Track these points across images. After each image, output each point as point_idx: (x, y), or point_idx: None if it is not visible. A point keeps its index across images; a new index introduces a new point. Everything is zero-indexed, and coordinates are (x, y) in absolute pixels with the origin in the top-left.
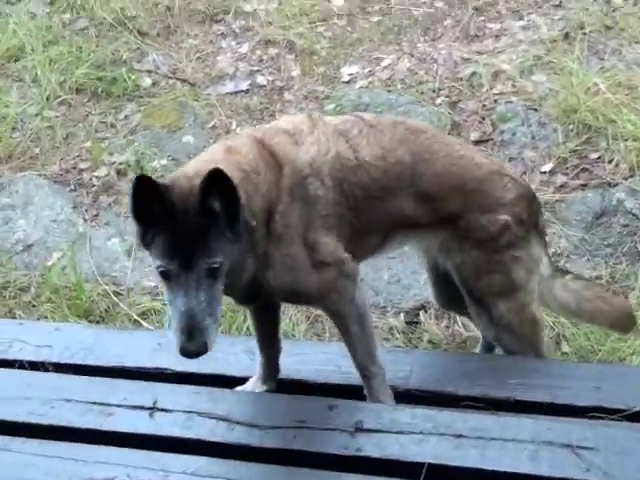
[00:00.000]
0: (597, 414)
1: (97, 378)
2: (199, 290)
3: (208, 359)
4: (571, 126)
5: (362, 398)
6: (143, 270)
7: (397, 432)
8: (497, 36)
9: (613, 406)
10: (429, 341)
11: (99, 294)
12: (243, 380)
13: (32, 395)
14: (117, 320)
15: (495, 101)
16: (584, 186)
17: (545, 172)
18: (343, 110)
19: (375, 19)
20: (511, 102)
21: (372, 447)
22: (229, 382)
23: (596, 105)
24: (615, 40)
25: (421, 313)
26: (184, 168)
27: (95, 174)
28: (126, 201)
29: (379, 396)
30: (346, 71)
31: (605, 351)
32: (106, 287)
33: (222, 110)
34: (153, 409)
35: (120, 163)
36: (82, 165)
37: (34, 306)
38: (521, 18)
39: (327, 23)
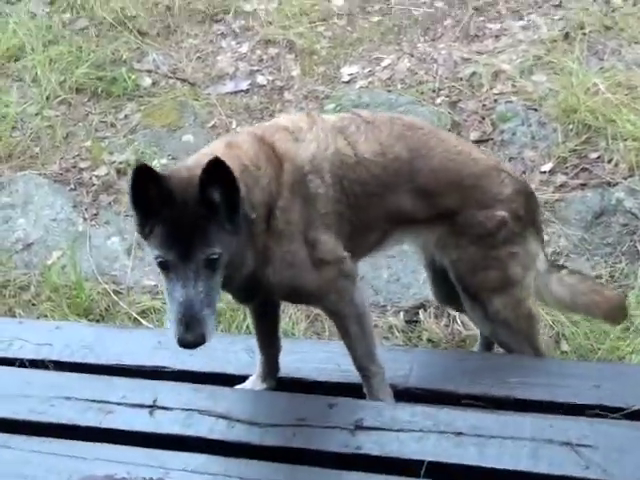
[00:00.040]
0: (596, 412)
1: (97, 376)
2: (197, 281)
3: (208, 357)
4: (571, 126)
5: (362, 396)
6: (143, 269)
7: (397, 430)
8: (497, 36)
9: (612, 404)
10: (429, 340)
11: (99, 293)
12: (243, 378)
13: (32, 393)
14: (117, 319)
15: (495, 101)
16: (584, 186)
17: (545, 172)
18: (343, 110)
19: (375, 19)
20: (511, 102)
21: (372, 445)
22: (229, 380)
23: (596, 105)
24: (615, 40)
25: (421, 312)
26: (185, 161)
27: (95, 173)
28: (126, 200)
29: (379, 395)
30: (346, 71)
31: (604, 350)
32: (106, 286)
33: (222, 110)
34: (153, 407)
35: (120, 162)
36: (82, 164)
37: (34, 305)
38: (521, 18)
39: (327, 23)
